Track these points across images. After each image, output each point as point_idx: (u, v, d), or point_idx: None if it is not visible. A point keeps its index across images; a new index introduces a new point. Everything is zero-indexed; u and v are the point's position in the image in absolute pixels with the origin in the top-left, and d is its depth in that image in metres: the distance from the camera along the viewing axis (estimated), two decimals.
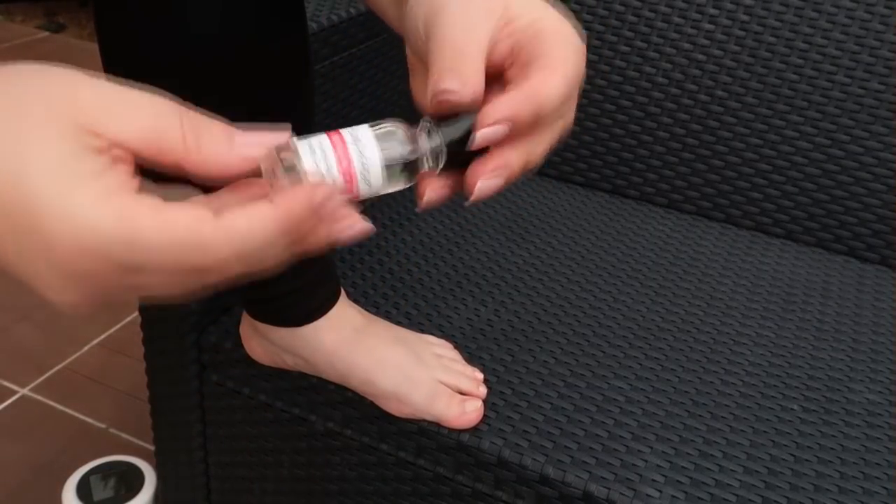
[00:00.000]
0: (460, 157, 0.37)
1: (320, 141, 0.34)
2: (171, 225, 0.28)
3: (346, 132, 0.35)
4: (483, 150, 0.37)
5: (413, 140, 0.36)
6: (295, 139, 0.34)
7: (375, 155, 0.35)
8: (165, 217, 0.28)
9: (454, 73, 0.35)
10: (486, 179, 0.37)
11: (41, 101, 0.29)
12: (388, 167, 0.35)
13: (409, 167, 0.36)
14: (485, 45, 0.36)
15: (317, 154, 0.34)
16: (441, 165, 0.37)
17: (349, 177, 0.34)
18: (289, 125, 0.33)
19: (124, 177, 0.29)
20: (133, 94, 0.30)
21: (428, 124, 0.37)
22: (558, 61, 0.36)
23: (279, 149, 0.33)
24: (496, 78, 0.38)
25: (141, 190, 0.29)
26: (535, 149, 0.38)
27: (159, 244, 0.28)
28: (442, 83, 0.35)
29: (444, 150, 0.36)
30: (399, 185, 0.37)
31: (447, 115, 0.37)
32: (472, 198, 0.37)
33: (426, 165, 0.37)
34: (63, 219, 0.27)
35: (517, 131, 0.36)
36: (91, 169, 0.28)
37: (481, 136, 0.36)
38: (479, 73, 0.36)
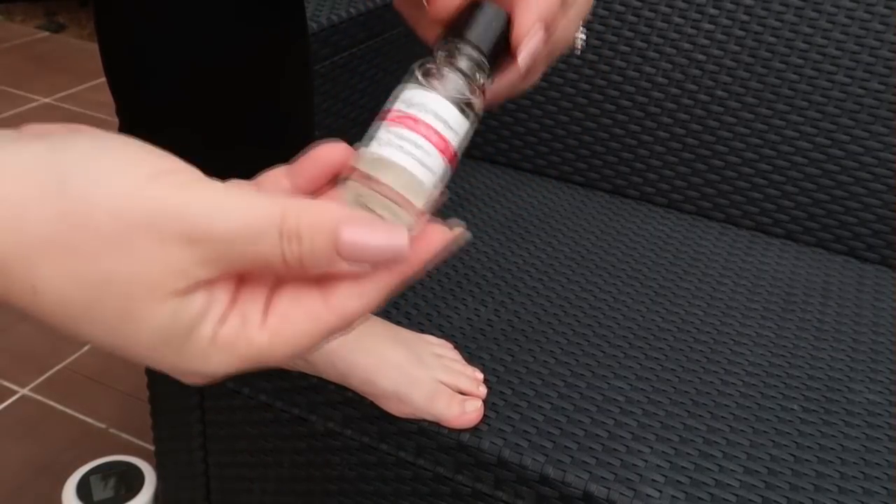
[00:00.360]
0: (496, 56, 0.36)
1: (389, 131, 0.32)
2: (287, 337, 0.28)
3: (399, 105, 0.33)
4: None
5: (453, 66, 0.35)
6: (365, 151, 0.32)
7: (443, 104, 0.33)
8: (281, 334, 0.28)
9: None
10: (529, 38, 0.36)
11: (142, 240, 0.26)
12: (461, 106, 0.33)
13: (472, 92, 0.34)
14: None
15: (400, 145, 0.32)
16: (489, 71, 0.36)
17: (443, 144, 0.32)
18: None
19: (222, 309, 0.28)
20: (228, 202, 0.27)
21: (449, 44, 0.35)
22: None
23: (359, 178, 0.31)
24: None
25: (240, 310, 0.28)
26: (570, 25, 0.38)
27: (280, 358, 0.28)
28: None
29: (483, 56, 0.35)
30: (474, 117, 0.35)
31: (456, 21, 0.36)
32: (522, 59, 0.36)
33: (481, 79, 0.35)
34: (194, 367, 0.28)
35: (552, 21, 0.36)
36: (196, 312, 0.27)
37: (526, 52, 0.36)
38: None
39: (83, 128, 0.28)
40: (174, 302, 0.26)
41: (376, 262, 0.28)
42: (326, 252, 0.27)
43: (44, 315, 0.26)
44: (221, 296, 0.27)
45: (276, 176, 0.33)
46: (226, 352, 0.27)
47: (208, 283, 0.27)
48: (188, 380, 0.28)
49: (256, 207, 0.26)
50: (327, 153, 0.32)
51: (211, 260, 0.26)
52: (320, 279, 0.28)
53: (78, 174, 0.25)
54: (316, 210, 0.27)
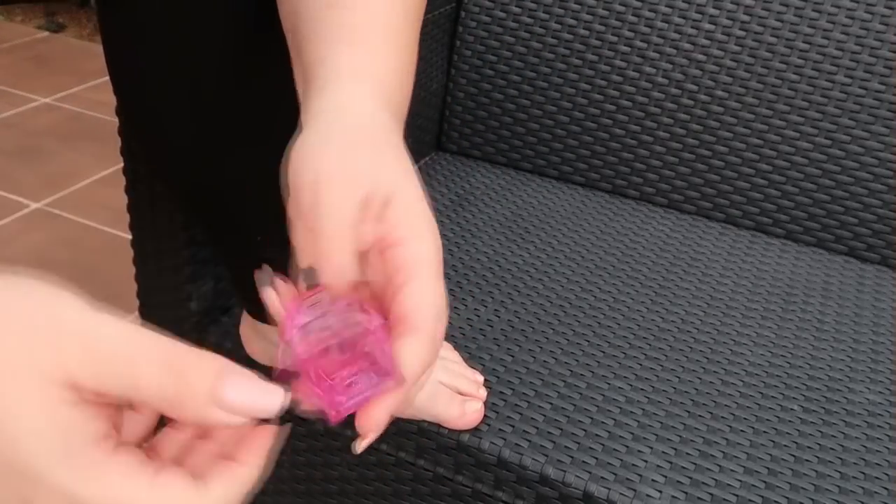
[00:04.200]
0: None
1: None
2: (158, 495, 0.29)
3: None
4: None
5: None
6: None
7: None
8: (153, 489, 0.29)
9: (323, 264, 0.34)
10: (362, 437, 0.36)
11: (23, 353, 0.28)
12: None
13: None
14: (349, 232, 0.35)
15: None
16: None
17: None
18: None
19: (102, 430, 0.29)
20: (116, 340, 0.29)
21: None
22: (425, 322, 0.34)
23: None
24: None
25: (118, 447, 0.29)
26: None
27: None
28: (308, 278, 0.35)
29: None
30: None
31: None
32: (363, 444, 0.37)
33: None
34: (53, 489, 0.28)
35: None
36: (76, 431, 0.28)
37: (363, 444, 0.36)
38: (347, 267, 0.34)
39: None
40: (57, 403, 0.28)
41: (250, 416, 0.29)
42: (204, 396, 0.28)
43: None
44: (104, 422, 0.29)
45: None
46: (97, 483, 0.28)
47: (97, 405, 0.29)
48: None
49: (144, 336, 0.29)
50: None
51: (92, 373, 0.28)
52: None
53: None
54: (204, 356, 0.29)
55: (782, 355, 0.75)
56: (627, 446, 0.64)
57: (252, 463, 0.32)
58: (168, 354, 0.29)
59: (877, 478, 0.63)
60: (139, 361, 0.28)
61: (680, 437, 0.65)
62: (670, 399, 0.68)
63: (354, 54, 0.41)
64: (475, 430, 0.64)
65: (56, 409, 0.28)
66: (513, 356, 0.72)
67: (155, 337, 0.29)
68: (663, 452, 0.63)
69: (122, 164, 0.73)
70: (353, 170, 0.35)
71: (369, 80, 0.40)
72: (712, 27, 0.94)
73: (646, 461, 0.62)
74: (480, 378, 0.68)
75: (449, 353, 0.70)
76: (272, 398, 0.30)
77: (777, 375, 0.73)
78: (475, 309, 0.77)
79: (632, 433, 0.65)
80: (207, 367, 0.29)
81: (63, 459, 0.28)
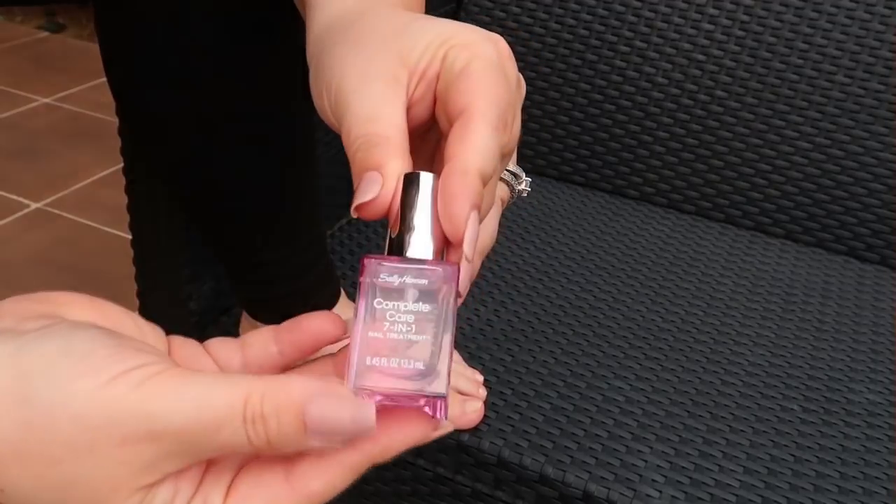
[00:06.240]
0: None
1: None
2: None
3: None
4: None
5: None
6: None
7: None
8: None
9: (370, 181, 0.30)
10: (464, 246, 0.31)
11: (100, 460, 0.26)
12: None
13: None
14: (400, 122, 0.32)
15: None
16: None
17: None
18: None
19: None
20: (187, 393, 0.26)
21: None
22: (474, 112, 0.31)
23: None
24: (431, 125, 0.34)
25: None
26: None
27: None
28: (360, 195, 0.30)
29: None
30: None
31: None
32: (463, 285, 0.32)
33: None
34: None
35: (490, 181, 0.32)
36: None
37: (464, 289, 0.31)
38: (400, 159, 0.31)
39: (56, 321, 0.28)
40: (139, 495, 0.26)
41: (345, 439, 0.27)
42: (294, 431, 0.27)
43: None
44: (186, 485, 0.28)
45: (265, 340, 0.33)
46: None
47: (177, 474, 0.27)
48: None
49: (217, 395, 0.26)
50: (318, 325, 0.32)
51: (177, 453, 0.26)
52: (287, 457, 0.28)
53: (41, 380, 0.26)
54: (280, 388, 0.26)
55: (782, 355, 0.75)
56: (627, 446, 0.64)
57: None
58: (244, 402, 0.26)
59: (877, 478, 0.63)
60: (220, 427, 0.26)
61: (680, 437, 0.65)
62: (670, 399, 0.68)
63: None
64: (475, 430, 0.64)
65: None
66: (513, 356, 0.72)
67: (217, 385, 0.26)
68: (663, 452, 0.63)
69: (122, 164, 0.73)
70: (377, 65, 0.32)
71: None
72: (712, 27, 0.94)
73: (646, 461, 0.62)
74: (480, 378, 0.68)
75: None
76: (363, 413, 0.27)
77: (777, 375, 0.73)
78: (475, 309, 0.77)
79: (632, 433, 0.65)
80: (291, 402, 0.26)
81: None
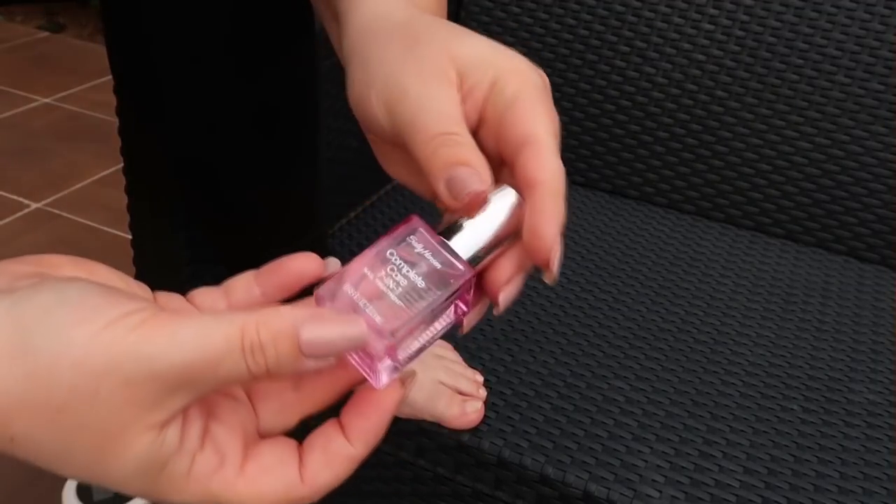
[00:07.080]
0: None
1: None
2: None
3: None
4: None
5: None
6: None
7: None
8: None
9: (472, 172, 0.32)
10: (506, 288, 0.33)
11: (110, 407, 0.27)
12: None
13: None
14: (463, 121, 0.33)
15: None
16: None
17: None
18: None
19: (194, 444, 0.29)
20: (183, 332, 0.27)
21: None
22: (542, 140, 0.34)
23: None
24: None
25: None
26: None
27: None
28: (465, 185, 0.31)
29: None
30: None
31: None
32: (502, 307, 0.33)
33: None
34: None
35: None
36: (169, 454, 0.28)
37: (504, 302, 0.32)
38: (482, 158, 0.33)
39: (47, 278, 0.29)
40: (149, 436, 0.27)
41: (339, 353, 0.29)
42: (291, 355, 0.28)
43: (23, 458, 0.27)
44: (194, 431, 0.29)
45: (248, 284, 0.34)
46: (200, 485, 0.29)
47: (184, 413, 0.28)
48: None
49: (214, 332, 0.27)
50: (299, 265, 0.33)
51: (180, 389, 0.27)
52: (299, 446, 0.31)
53: (39, 329, 0.26)
54: (273, 317, 0.28)
55: (782, 355, 0.75)
56: (627, 446, 0.64)
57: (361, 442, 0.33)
58: (240, 335, 0.27)
59: (876, 478, 0.63)
60: (220, 360, 0.27)
61: (680, 437, 0.65)
62: (670, 399, 0.68)
63: None
64: (475, 431, 0.64)
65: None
66: (513, 356, 0.72)
67: (213, 322, 0.27)
68: (663, 452, 0.63)
69: (122, 164, 0.73)
70: (434, 65, 0.34)
71: None
72: (712, 27, 0.94)
73: (646, 461, 0.62)
74: (480, 378, 0.68)
75: (449, 353, 0.70)
76: (352, 324, 0.28)
77: (777, 375, 0.73)
78: None
79: (632, 433, 0.65)
80: (286, 327, 0.27)
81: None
